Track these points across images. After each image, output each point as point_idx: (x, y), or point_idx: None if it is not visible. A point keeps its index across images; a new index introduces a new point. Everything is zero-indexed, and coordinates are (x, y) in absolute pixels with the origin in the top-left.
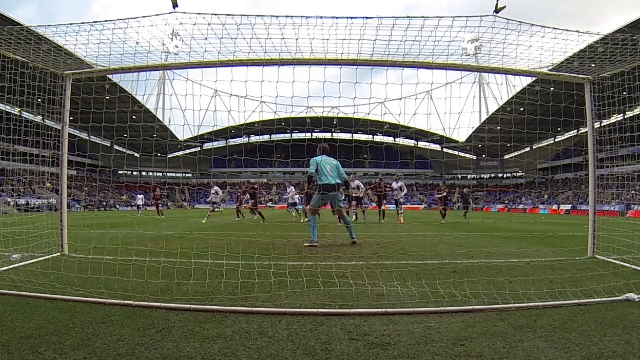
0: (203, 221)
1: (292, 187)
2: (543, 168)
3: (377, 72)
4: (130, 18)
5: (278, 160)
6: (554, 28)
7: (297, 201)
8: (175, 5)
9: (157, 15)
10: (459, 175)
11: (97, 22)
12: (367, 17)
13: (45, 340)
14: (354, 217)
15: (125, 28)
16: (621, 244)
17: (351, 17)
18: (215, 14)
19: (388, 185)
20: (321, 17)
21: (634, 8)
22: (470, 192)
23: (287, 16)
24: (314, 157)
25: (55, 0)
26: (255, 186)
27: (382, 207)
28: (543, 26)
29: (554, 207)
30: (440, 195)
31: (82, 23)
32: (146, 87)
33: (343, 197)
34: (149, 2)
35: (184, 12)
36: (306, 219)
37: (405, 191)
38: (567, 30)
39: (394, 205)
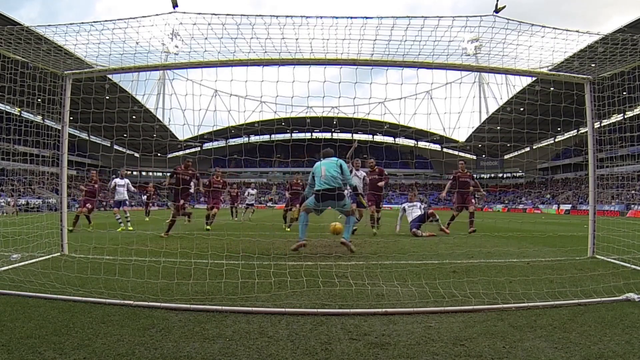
0: (242, 219)
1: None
2: (543, 168)
3: (377, 72)
4: (131, 18)
5: (278, 160)
6: (553, 28)
7: (253, 202)
8: (175, 5)
9: (157, 15)
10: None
11: (97, 22)
12: (367, 17)
13: (45, 340)
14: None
15: (125, 28)
16: (621, 244)
17: (351, 17)
18: (215, 14)
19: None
20: (321, 17)
21: (635, 8)
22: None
23: (287, 16)
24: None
25: None
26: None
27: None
28: (543, 26)
29: (554, 207)
30: (462, 180)
31: (82, 23)
32: (146, 87)
33: (347, 202)
34: (150, 2)
35: (184, 12)
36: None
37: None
38: (567, 30)
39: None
